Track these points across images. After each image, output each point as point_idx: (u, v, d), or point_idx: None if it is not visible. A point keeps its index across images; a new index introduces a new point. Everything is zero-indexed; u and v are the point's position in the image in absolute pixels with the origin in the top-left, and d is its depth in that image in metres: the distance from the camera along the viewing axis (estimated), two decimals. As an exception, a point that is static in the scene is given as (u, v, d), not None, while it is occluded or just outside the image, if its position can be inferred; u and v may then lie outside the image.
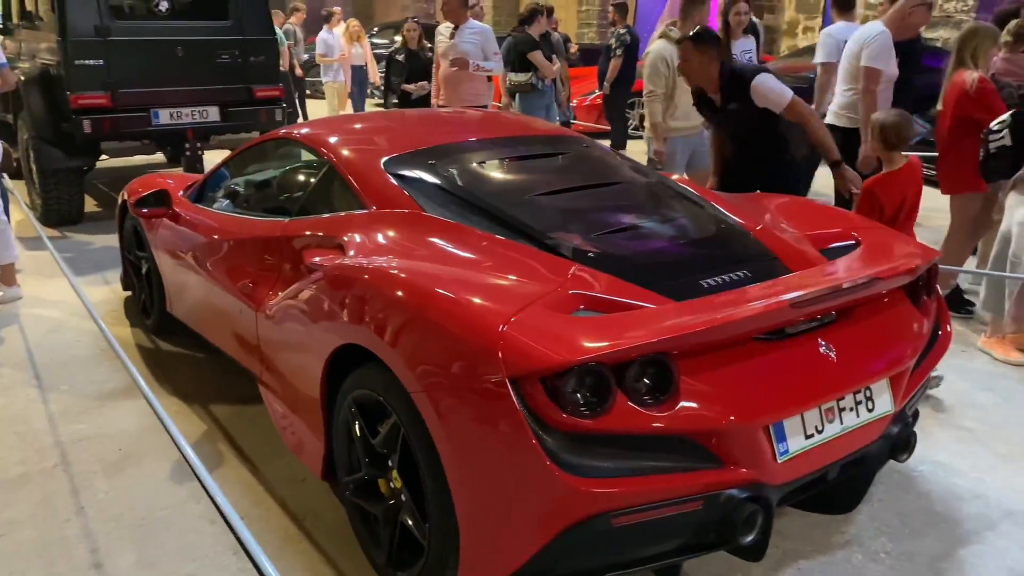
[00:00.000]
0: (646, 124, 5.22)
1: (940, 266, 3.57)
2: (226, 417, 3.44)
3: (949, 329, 2.76)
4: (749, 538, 2.05)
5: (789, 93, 3.86)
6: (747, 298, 2.14)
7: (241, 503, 2.80)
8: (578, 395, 1.87)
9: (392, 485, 2.33)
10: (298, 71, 11.68)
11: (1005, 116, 3.84)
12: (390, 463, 2.31)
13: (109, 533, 2.68)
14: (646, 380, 1.94)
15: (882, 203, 3.55)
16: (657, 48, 5.10)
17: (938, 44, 10.41)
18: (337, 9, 11.59)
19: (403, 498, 2.28)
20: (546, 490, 1.87)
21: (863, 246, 2.64)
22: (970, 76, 4.23)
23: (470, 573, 2.04)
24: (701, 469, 1.98)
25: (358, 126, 3.55)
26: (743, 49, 5.71)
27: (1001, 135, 3.81)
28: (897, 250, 2.60)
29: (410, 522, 2.25)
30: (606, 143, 9.37)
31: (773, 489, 2.08)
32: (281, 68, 9.33)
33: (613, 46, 9.18)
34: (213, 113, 6.64)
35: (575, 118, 10.36)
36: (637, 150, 10.14)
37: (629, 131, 9.89)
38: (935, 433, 3.30)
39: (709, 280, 2.33)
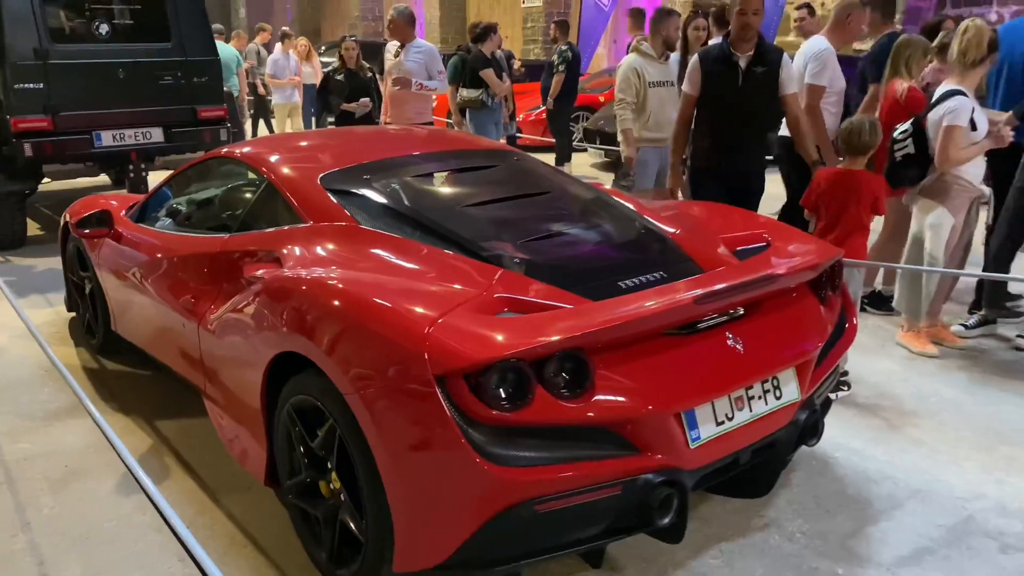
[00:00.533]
0: (618, 132, 5.41)
1: (884, 264, 3.82)
2: (172, 432, 3.50)
3: (855, 322, 2.96)
4: (666, 520, 2.20)
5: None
6: (656, 296, 2.30)
7: (187, 512, 2.87)
8: (500, 390, 2.00)
9: (331, 486, 2.43)
10: (260, 90, 11.64)
11: (906, 125, 4.10)
12: (329, 465, 2.41)
13: (55, 546, 2.73)
14: (564, 374, 2.09)
15: (818, 192, 3.79)
16: (629, 60, 5.38)
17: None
18: (285, 29, 11.63)
19: (342, 497, 2.38)
20: (472, 480, 1.99)
21: (771, 247, 2.83)
22: (900, 85, 4.50)
23: (404, 563, 2.15)
24: (619, 456, 2.13)
25: (296, 144, 3.66)
26: None
27: (905, 143, 4.07)
28: (801, 250, 2.79)
29: (349, 520, 2.36)
30: (551, 157, 9.57)
31: (687, 473, 2.24)
32: (228, 88, 9.37)
33: (555, 62, 9.41)
34: (156, 134, 6.67)
35: (520, 132, 10.55)
36: (581, 162, 10.38)
37: (573, 144, 10.10)
38: (852, 421, 3.51)
39: (627, 281, 2.49)
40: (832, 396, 3.58)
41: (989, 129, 4.01)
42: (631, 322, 2.16)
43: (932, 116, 4.00)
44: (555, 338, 2.03)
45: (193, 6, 6.82)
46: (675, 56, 5.54)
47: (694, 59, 4.38)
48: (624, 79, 5.30)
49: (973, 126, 3.94)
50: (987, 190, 4.19)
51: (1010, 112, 4.26)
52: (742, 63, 4.19)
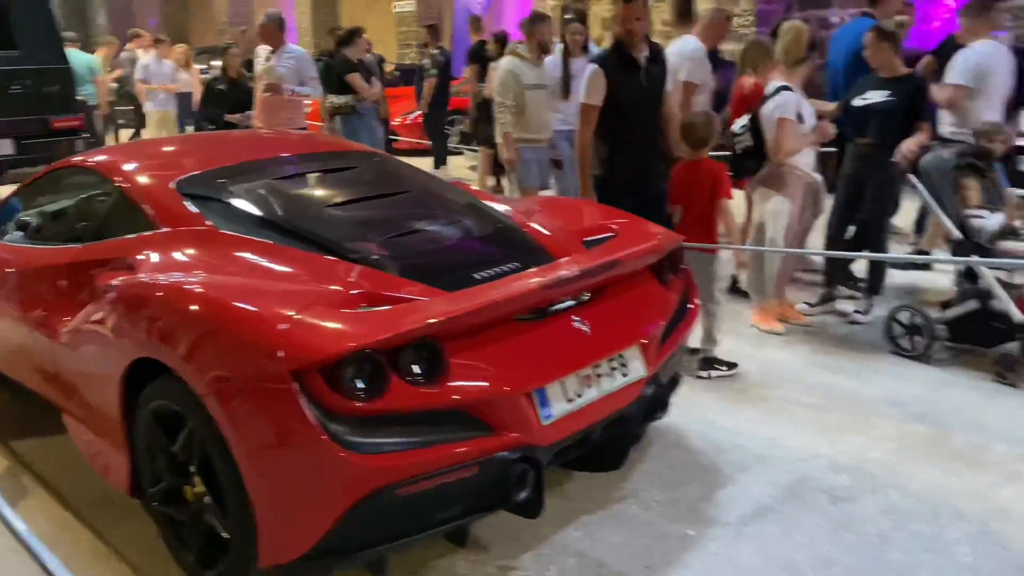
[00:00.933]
0: (497, 135, 5.52)
1: (725, 246, 4.07)
2: (29, 451, 3.38)
3: (697, 303, 3.19)
4: (523, 495, 2.34)
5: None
6: (506, 286, 2.44)
7: (47, 530, 2.79)
8: (356, 381, 2.08)
9: (195, 489, 2.44)
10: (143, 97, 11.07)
11: (745, 120, 4.43)
12: (191, 469, 2.42)
13: (-100, 577, 2.61)
14: (419, 363, 2.18)
15: (672, 185, 4.04)
16: (506, 64, 5.48)
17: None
18: (160, 35, 11.16)
19: (206, 500, 2.39)
20: (332, 470, 2.07)
21: (617, 236, 3.01)
22: (747, 82, 4.86)
23: (269, 557, 2.19)
24: (475, 437, 2.24)
25: (152, 150, 3.61)
26: (581, 65, 6.06)
27: (743, 137, 4.40)
28: (643, 238, 2.98)
29: (214, 521, 2.37)
30: (428, 160, 9.63)
31: (541, 450, 2.37)
32: (83, 97, 8.95)
33: (427, 66, 9.50)
34: (6, 146, 6.35)
35: (395, 135, 10.58)
36: (459, 165, 10.50)
37: (449, 147, 10.21)
38: (705, 397, 3.76)
39: (482, 273, 2.60)
40: (704, 375, 3.92)
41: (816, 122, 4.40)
42: (480, 310, 2.28)
43: (763, 111, 4.34)
44: (406, 329, 2.13)
45: (39, 13, 6.53)
46: (552, 60, 5.73)
47: (594, 69, 4.13)
48: (502, 83, 5.44)
49: (801, 119, 4.30)
50: (819, 177, 4.57)
51: (834, 105, 4.66)
52: (643, 63, 4.14)
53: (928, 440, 3.39)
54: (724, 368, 4.00)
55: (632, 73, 4.13)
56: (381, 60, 10.56)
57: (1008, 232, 3.96)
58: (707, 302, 3.95)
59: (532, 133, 5.51)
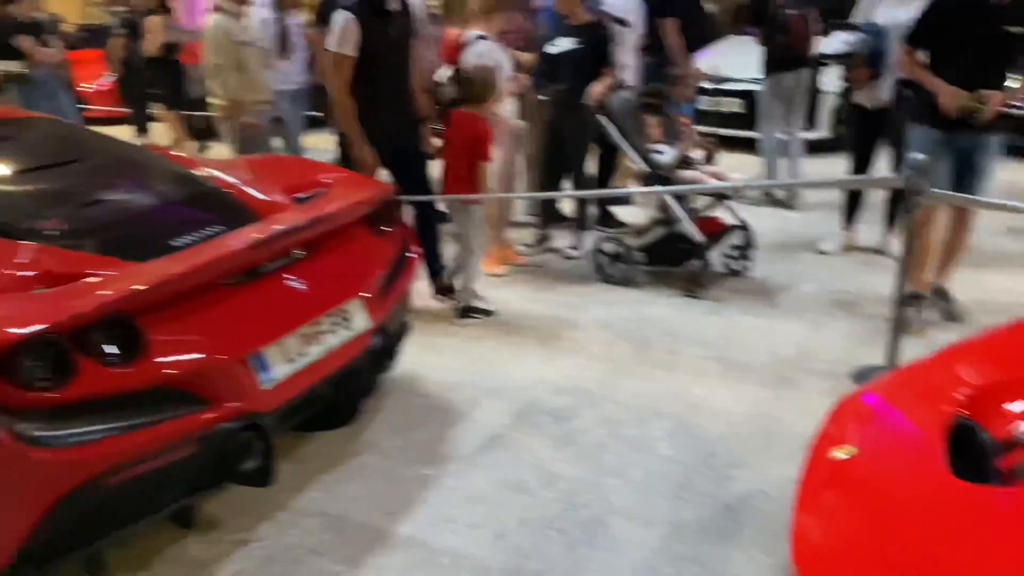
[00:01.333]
0: (219, 99, 5.05)
1: (443, 197, 4.14)
2: None
3: (417, 251, 3.26)
4: (251, 465, 2.27)
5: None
6: (206, 251, 2.31)
7: None
8: (37, 370, 1.88)
9: None
10: None
11: (449, 70, 4.54)
12: None
13: None
14: (111, 341, 2.01)
15: (445, 135, 4.13)
16: (215, 22, 4.99)
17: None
18: None
19: None
20: (22, 472, 1.87)
21: (326, 191, 2.97)
22: (452, 33, 4.94)
23: (-44, 580, 1.94)
24: (189, 413, 2.13)
25: None
26: (295, 22, 5.84)
27: (448, 87, 4.51)
28: (352, 191, 2.97)
29: None
30: (127, 128, 8.77)
31: (266, 415, 2.31)
32: None
33: (114, 25, 8.60)
34: None
35: (82, 102, 9.49)
36: (163, 131, 9.70)
37: (150, 113, 9.36)
38: (435, 342, 3.86)
39: (182, 239, 2.44)
40: (460, 323, 4.03)
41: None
42: (175, 279, 2.15)
43: (464, 60, 4.46)
44: (89, 307, 1.95)
45: None
46: (261, 16, 5.42)
47: (347, 17, 3.85)
48: (216, 43, 4.99)
49: (499, 68, 4.49)
50: (523, 124, 4.82)
51: (531, 55, 4.92)
52: (392, 10, 3.95)
53: (633, 354, 3.77)
54: (480, 316, 4.13)
55: (383, 22, 3.95)
56: (56, 19, 9.37)
57: (684, 162, 4.46)
58: (465, 253, 4.07)
59: (255, 94, 5.19)
